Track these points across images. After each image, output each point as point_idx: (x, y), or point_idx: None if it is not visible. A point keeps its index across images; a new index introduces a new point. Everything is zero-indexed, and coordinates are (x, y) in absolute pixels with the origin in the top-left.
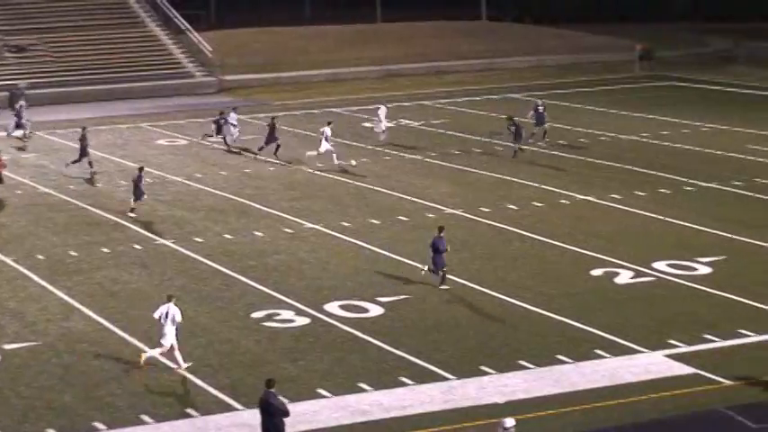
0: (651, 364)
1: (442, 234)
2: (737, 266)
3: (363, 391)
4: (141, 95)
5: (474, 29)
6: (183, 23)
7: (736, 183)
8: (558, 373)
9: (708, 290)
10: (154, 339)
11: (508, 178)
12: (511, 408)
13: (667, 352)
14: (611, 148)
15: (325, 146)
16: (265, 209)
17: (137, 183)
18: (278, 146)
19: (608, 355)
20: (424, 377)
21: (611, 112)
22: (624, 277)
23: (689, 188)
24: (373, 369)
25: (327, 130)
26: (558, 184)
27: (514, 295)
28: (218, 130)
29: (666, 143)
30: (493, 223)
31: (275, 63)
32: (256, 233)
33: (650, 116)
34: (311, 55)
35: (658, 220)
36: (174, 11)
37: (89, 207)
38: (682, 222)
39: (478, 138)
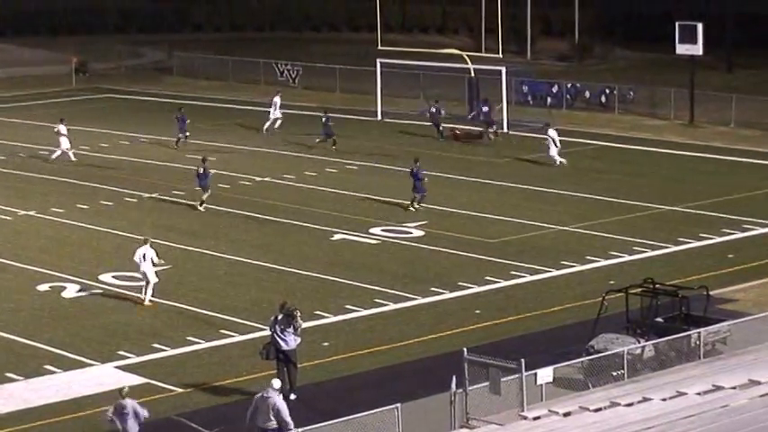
0: (103, 376)
1: (418, 163)
2: (183, 275)
3: None
4: None
5: None
6: None
7: (177, 192)
8: (8, 391)
9: (155, 299)
10: None
11: None
12: None
13: (118, 363)
14: (50, 162)
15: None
16: None
17: (205, 173)
18: None
19: (59, 370)
20: None
21: (50, 126)
22: (71, 291)
23: (131, 199)
24: None
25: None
26: None
27: None
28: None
29: (106, 155)
30: None
31: None
32: None
33: (89, 129)
34: None
35: (102, 233)
36: None
37: None
38: (125, 234)
39: None
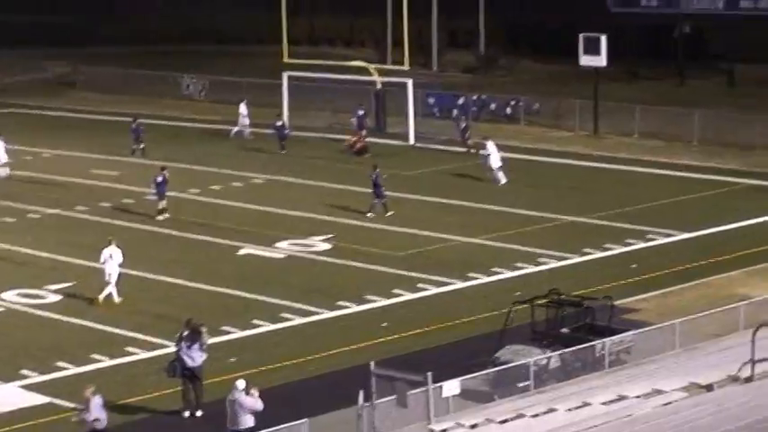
0: (5, 396)
1: (377, 170)
2: (87, 291)
3: None
4: None
5: None
6: None
7: (81, 208)
8: None
9: (55, 317)
10: None
11: None
12: None
13: (21, 383)
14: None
15: None
16: None
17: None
18: None
19: None
20: None
21: None
22: None
23: (34, 215)
24: None
25: None
26: None
27: None
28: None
29: (9, 171)
30: None
31: None
32: None
33: None
34: None
35: (5, 250)
36: None
37: None
38: (29, 250)
39: None
